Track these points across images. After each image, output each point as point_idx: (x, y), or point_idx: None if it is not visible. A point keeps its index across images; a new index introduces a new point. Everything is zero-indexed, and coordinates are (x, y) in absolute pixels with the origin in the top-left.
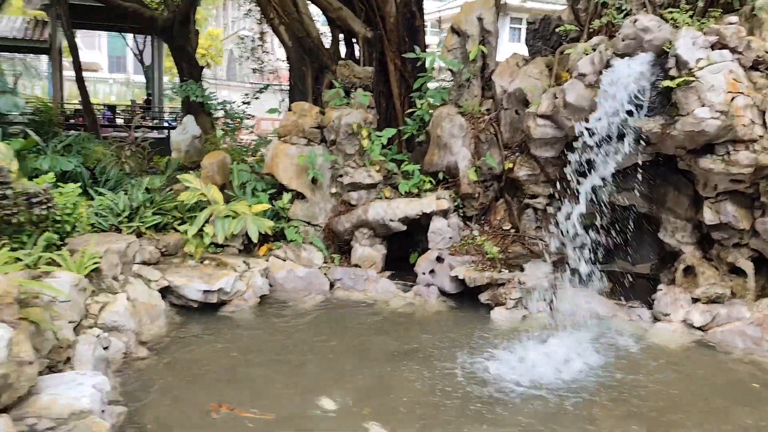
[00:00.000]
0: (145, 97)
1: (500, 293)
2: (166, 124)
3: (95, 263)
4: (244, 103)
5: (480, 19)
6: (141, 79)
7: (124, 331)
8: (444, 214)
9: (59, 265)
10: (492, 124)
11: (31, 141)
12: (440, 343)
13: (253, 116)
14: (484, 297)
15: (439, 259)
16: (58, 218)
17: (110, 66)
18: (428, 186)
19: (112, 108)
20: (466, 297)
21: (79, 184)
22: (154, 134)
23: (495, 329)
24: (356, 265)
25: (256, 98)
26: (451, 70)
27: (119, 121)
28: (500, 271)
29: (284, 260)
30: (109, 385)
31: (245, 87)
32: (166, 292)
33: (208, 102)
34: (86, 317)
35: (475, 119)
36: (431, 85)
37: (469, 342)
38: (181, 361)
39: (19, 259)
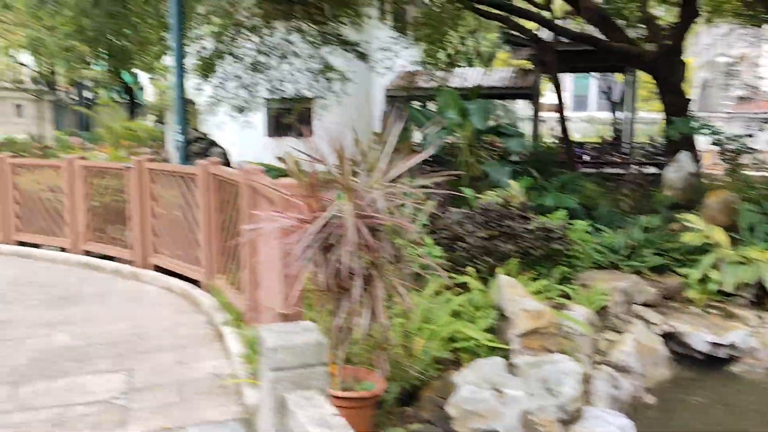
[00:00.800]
0: (613, 135)
1: None
2: (636, 160)
3: (603, 300)
4: (747, 135)
5: None
6: (603, 116)
7: (632, 373)
8: None
9: (570, 298)
10: None
11: (537, 180)
12: None
13: (756, 149)
14: None
15: None
16: (569, 253)
17: (575, 105)
18: None
19: (580, 145)
20: None
21: (587, 222)
22: (617, 170)
23: None
24: None
25: (760, 129)
26: None
27: (585, 157)
28: None
29: None
30: (633, 429)
31: (720, 116)
32: (666, 337)
33: (715, 135)
34: (595, 353)
35: None
36: None
37: None
38: (687, 416)
39: (538, 291)
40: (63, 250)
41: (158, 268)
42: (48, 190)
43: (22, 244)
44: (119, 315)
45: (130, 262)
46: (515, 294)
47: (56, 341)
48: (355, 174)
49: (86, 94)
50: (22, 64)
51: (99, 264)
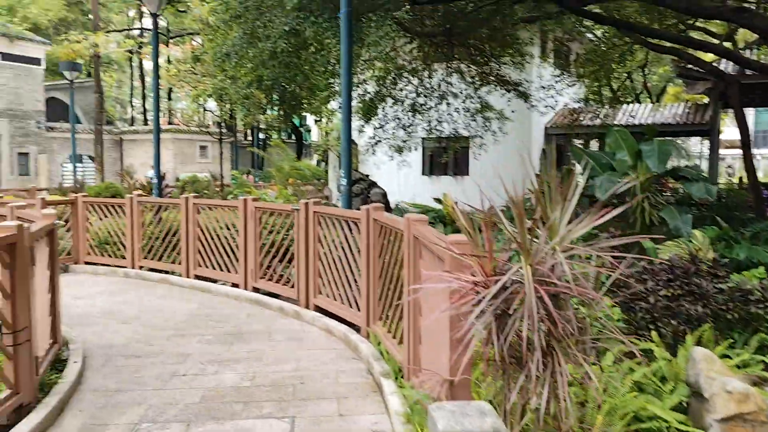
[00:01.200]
0: None
1: None
2: None
3: None
4: None
5: None
6: None
7: None
8: None
9: None
10: None
11: (725, 229)
12: None
13: None
14: None
15: None
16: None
17: (756, 141)
18: None
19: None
20: None
21: None
22: None
23: None
24: None
25: None
26: None
27: None
28: None
29: None
30: None
31: None
32: None
33: None
34: None
35: None
36: None
37: None
38: None
39: (737, 365)
40: (235, 285)
41: (318, 308)
42: (224, 228)
43: (200, 278)
44: (282, 356)
45: (293, 301)
46: (713, 370)
47: (225, 380)
48: (533, 233)
49: (260, 135)
50: (207, 110)
51: (265, 301)
